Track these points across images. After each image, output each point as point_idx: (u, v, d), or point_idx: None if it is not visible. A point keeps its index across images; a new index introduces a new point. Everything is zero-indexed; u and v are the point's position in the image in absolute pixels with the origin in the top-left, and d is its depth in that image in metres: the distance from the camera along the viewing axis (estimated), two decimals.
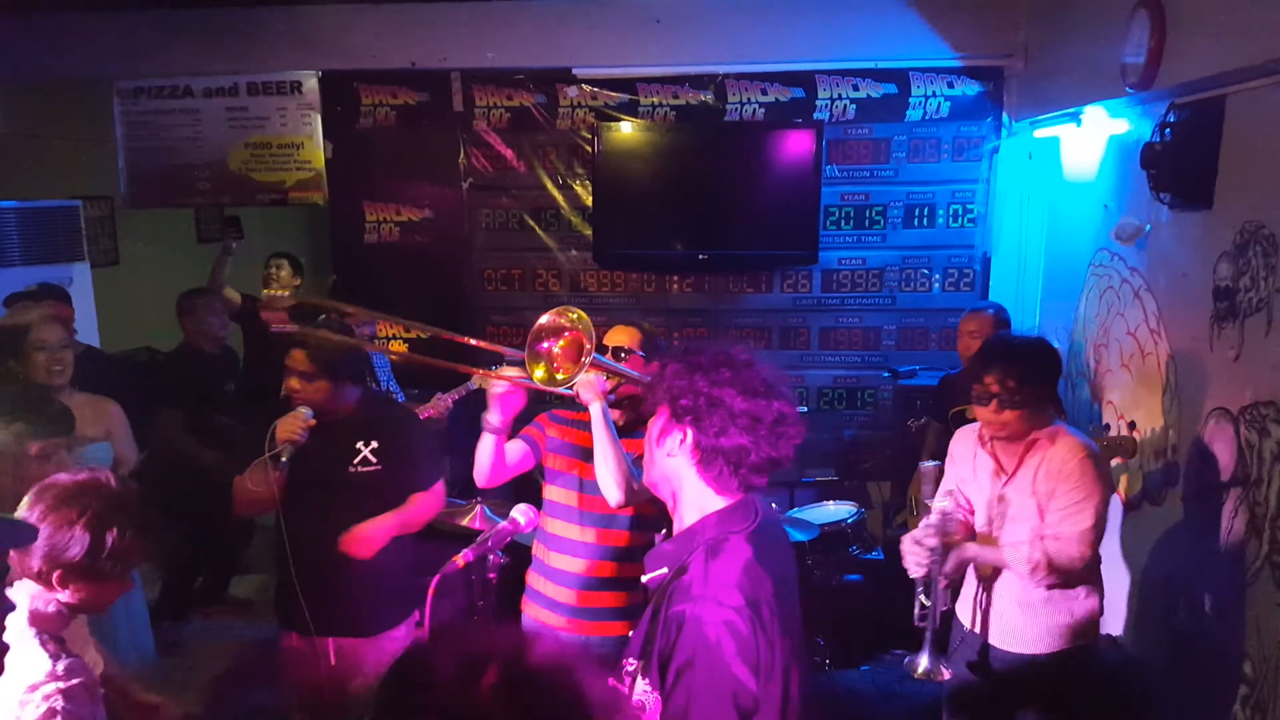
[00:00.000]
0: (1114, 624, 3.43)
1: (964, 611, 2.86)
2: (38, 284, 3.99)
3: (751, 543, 1.66)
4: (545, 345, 2.45)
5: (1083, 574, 2.64)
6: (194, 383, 4.46)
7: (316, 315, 3.14)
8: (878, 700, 4.14)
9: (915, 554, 2.60)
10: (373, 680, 2.99)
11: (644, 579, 1.75)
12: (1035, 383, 2.60)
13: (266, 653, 3.46)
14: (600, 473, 2.56)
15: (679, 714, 1.56)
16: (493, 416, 2.64)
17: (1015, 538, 2.66)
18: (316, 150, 4.92)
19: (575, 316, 2.43)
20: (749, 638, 1.55)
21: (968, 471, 2.84)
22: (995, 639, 2.75)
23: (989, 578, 2.77)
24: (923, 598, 2.65)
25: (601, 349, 2.79)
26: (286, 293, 4.44)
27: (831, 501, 4.72)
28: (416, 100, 5.00)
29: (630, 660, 1.70)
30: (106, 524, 1.81)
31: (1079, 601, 2.66)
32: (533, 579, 2.95)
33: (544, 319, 2.46)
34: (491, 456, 2.69)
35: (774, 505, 3.60)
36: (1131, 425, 3.30)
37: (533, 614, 2.93)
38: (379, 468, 2.90)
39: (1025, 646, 2.68)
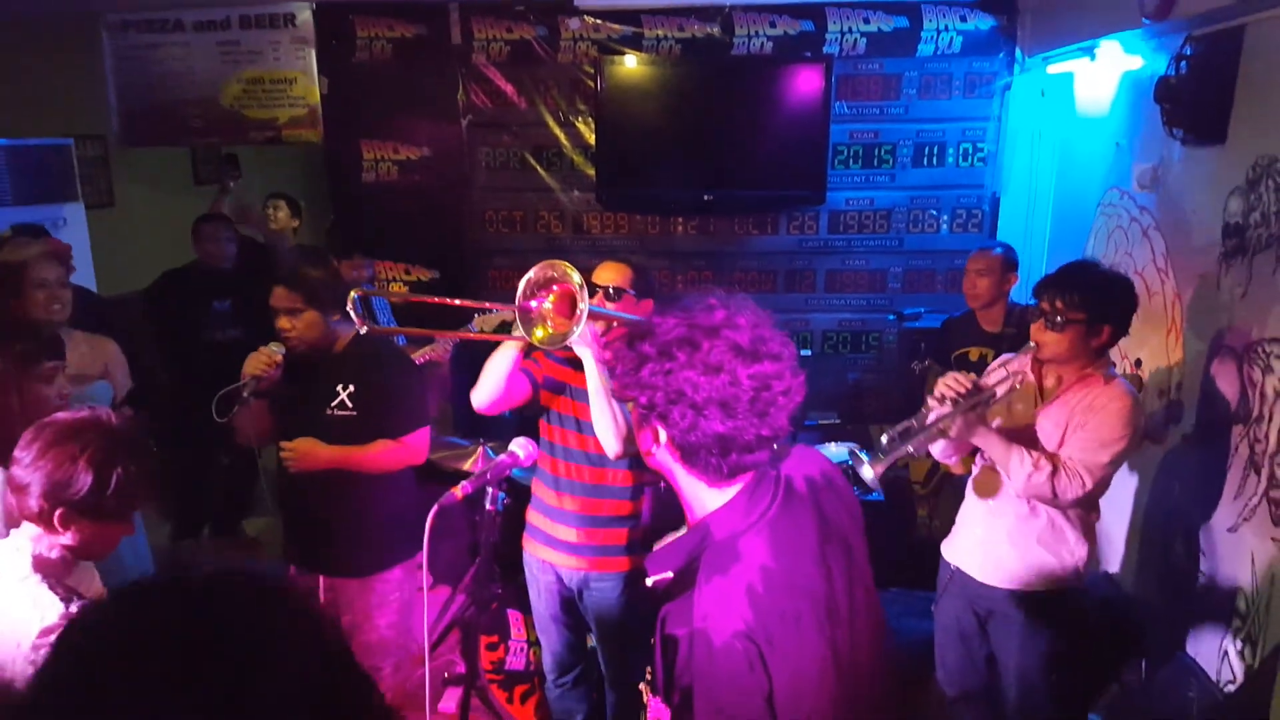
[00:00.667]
0: (1111, 560, 3.44)
1: (951, 550, 2.85)
2: (10, 227, 3.89)
3: (768, 534, 1.43)
4: (534, 303, 2.33)
5: (1077, 517, 2.60)
6: (179, 302, 4.43)
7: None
8: None
9: (950, 386, 2.51)
10: (360, 620, 3.02)
11: (649, 581, 1.56)
12: (1087, 313, 2.47)
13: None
14: (597, 426, 2.50)
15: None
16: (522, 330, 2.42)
17: None
18: (311, 86, 4.82)
19: (563, 268, 2.29)
20: (754, 662, 1.35)
21: (997, 378, 2.74)
22: (979, 573, 2.73)
23: (999, 515, 2.73)
24: (915, 421, 2.52)
25: (591, 288, 2.73)
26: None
27: (833, 443, 4.71)
28: (413, 33, 4.87)
29: (649, 670, 1.60)
30: (109, 461, 1.78)
31: (1068, 547, 2.62)
32: (533, 516, 2.95)
33: (530, 274, 2.33)
34: (502, 370, 2.54)
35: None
36: (1137, 364, 3.28)
37: (533, 551, 2.94)
38: (353, 413, 2.81)
39: (1007, 582, 2.65)
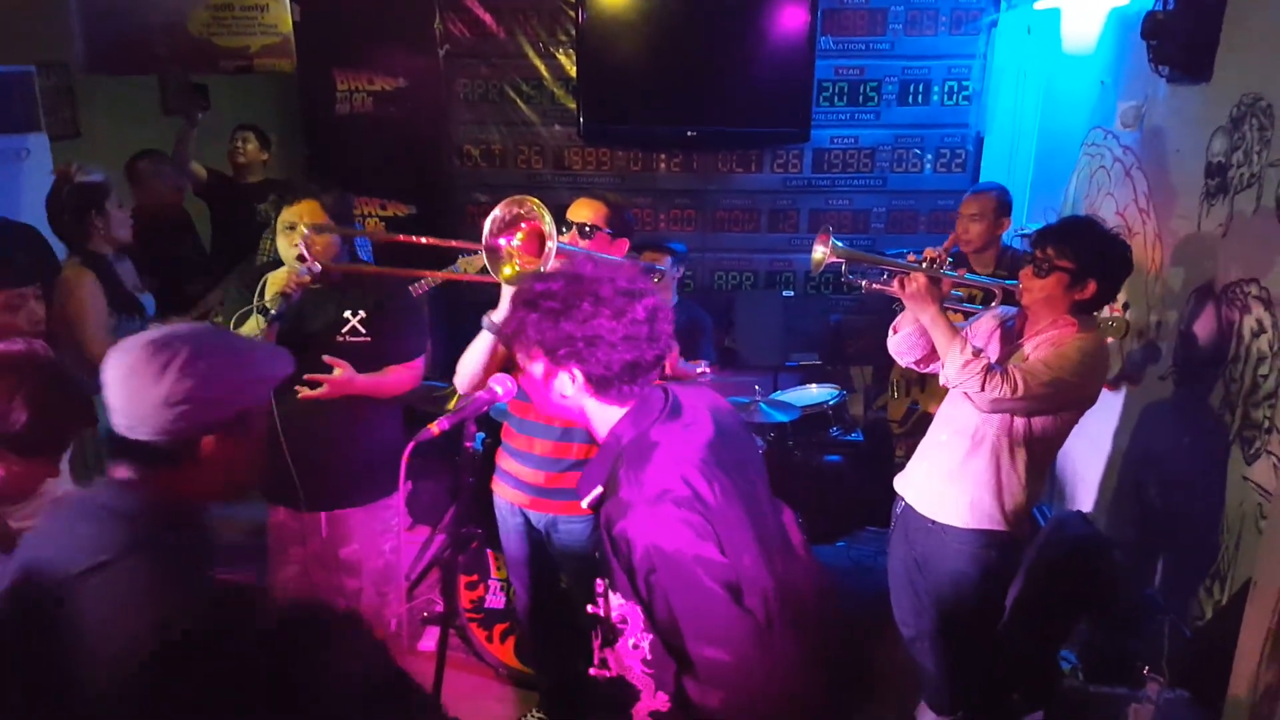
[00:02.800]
0: (1085, 499, 3.49)
1: (901, 482, 2.87)
2: None
3: (670, 425, 1.68)
4: (503, 241, 2.27)
5: (1022, 466, 2.59)
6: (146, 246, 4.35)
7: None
8: (853, 574, 4.26)
9: (934, 253, 2.55)
10: (365, 548, 3.04)
11: (584, 503, 1.75)
12: (1075, 264, 2.46)
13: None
14: (479, 363, 2.51)
15: (667, 617, 1.59)
16: (498, 315, 2.41)
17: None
18: (283, 13, 4.66)
19: (532, 205, 2.23)
20: (693, 517, 1.57)
21: (985, 324, 2.79)
22: (919, 504, 2.76)
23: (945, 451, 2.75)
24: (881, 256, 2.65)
25: (565, 225, 2.69)
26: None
27: (814, 385, 4.73)
28: None
29: (600, 582, 1.73)
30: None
31: (1010, 489, 2.62)
32: (501, 459, 2.92)
33: (496, 211, 2.27)
34: (484, 358, 2.54)
35: (702, 370, 3.50)
36: (1125, 307, 3.27)
37: (502, 494, 2.91)
38: (367, 339, 2.87)
39: (947, 517, 2.67)
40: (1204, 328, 2.76)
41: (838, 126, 4.91)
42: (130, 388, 1.39)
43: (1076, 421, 2.63)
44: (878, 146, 4.94)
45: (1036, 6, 4.19)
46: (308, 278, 2.74)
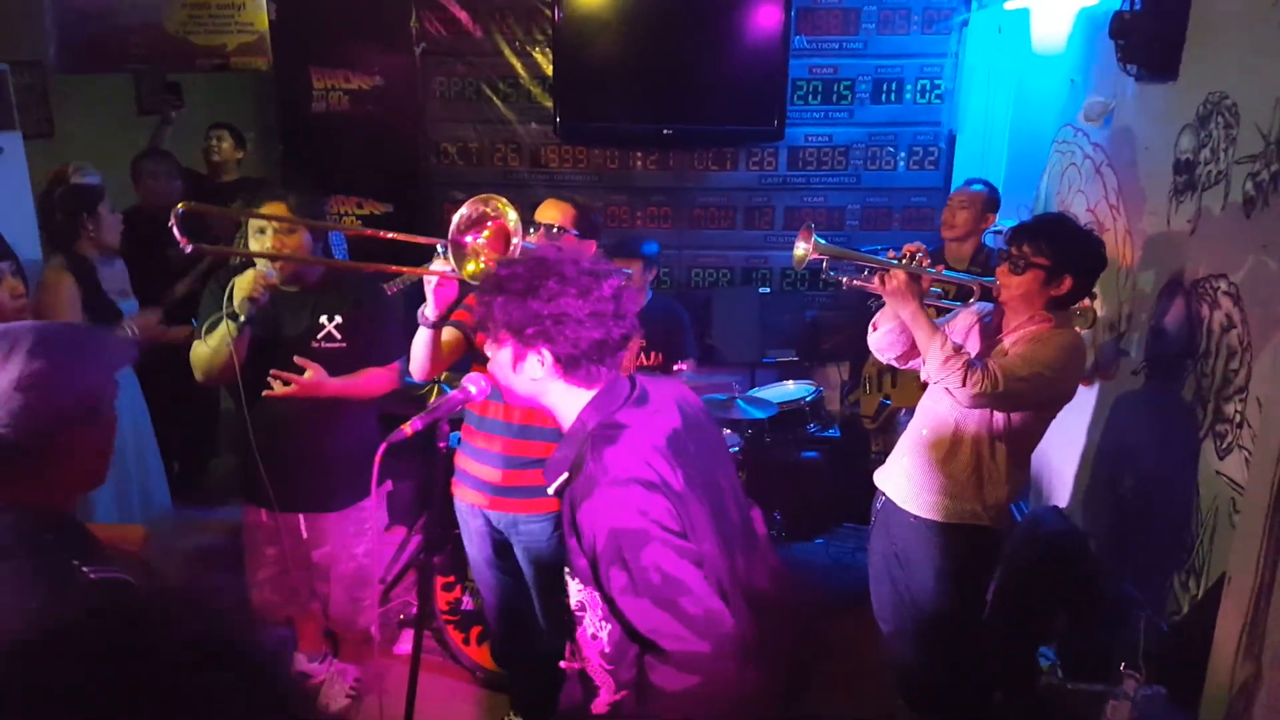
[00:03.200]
0: (1060, 495, 3.53)
1: (881, 476, 2.89)
2: None
3: (636, 411, 1.71)
4: (469, 239, 2.26)
5: (1003, 461, 2.61)
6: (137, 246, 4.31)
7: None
8: (831, 571, 4.28)
9: (914, 249, 2.56)
10: (339, 551, 3.03)
11: (550, 490, 1.75)
12: (1051, 260, 2.48)
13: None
14: (425, 352, 2.50)
15: (633, 598, 1.58)
16: (428, 310, 2.47)
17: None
18: (259, 11, 4.65)
19: (498, 205, 2.22)
20: (659, 499, 1.59)
21: (964, 320, 2.81)
22: (899, 498, 2.78)
23: (922, 444, 2.77)
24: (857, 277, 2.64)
25: (533, 226, 2.69)
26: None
27: (791, 381, 4.75)
28: None
29: (566, 569, 1.73)
30: None
31: (992, 483, 2.63)
32: (460, 460, 2.90)
33: (463, 209, 2.26)
34: (427, 350, 2.54)
35: (679, 368, 3.57)
36: (1093, 296, 3.31)
37: (462, 496, 2.89)
38: (343, 345, 2.85)
39: (928, 512, 2.69)
40: (1175, 323, 2.80)
41: (812, 125, 4.94)
42: None
43: (1055, 415, 2.66)
44: (852, 144, 4.97)
45: (1007, 6, 4.23)
46: (275, 279, 2.71)
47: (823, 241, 2.56)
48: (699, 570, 1.58)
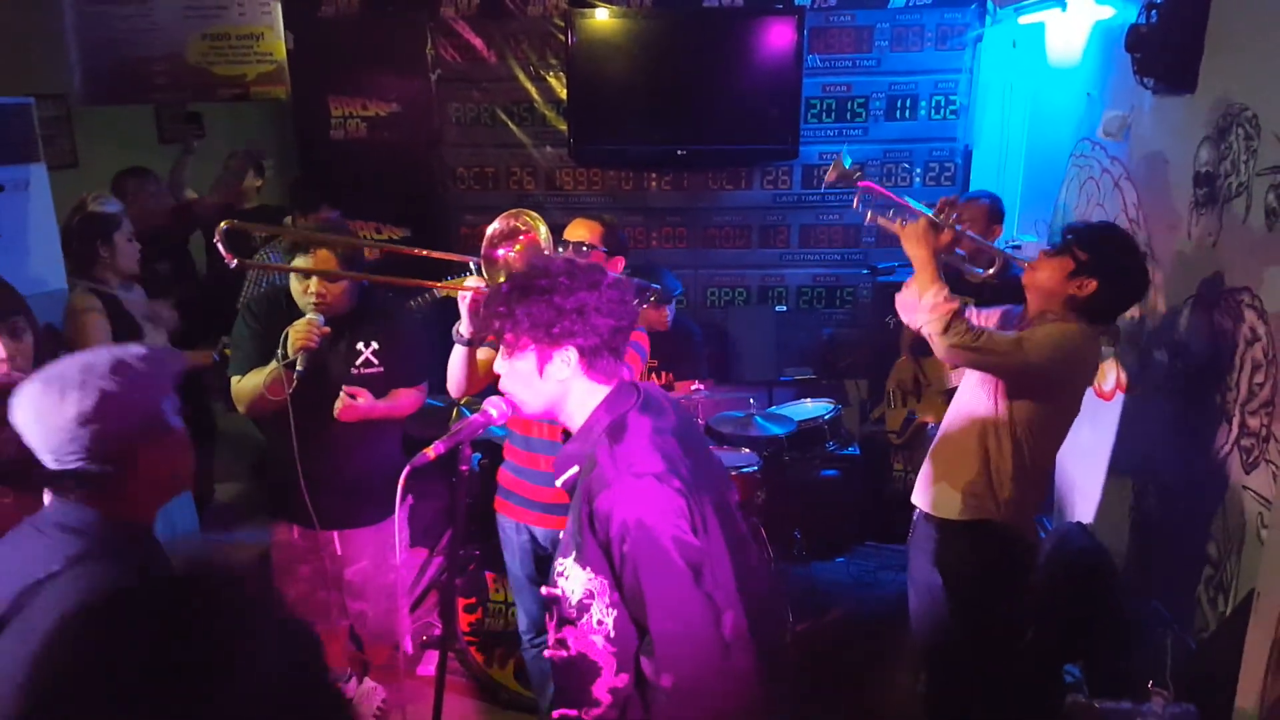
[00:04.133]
0: (1085, 511, 3.49)
1: (916, 492, 2.88)
2: None
3: (646, 413, 1.76)
4: (501, 252, 2.37)
5: (1011, 458, 2.61)
6: None
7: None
8: (853, 590, 4.25)
9: (947, 201, 2.62)
10: (376, 564, 3.07)
11: (557, 482, 1.83)
12: (1088, 255, 2.48)
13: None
14: (462, 372, 2.58)
15: (634, 589, 1.64)
16: (463, 327, 2.58)
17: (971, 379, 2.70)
18: (278, 41, 4.72)
19: (528, 219, 2.34)
20: (673, 494, 1.64)
21: (990, 315, 2.84)
22: (925, 504, 2.79)
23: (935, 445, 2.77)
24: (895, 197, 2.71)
25: (562, 244, 2.75)
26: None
27: (809, 399, 4.74)
28: None
29: (560, 561, 1.77)
30: None
31: (1000, 478, 2.64)
32: (505, 478, 2.96)
33: (495, 224, 2.37)
34: (463, 368, 2.64)
35: (696, 388, 3.60)
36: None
37: (506, 513, 2.94)
38: (380, 370, 2.95)
39: (945, 510, 2.70)
40: (1198, 337, 2.77)
41: (826, 142, 4.94)
42: (42, 423, 1.44)
43: (1067, 424, 2.65)
44: (867, 161, 4.96)
45: (1021, 21, 4.23)
46: (328, 328, 2.80)
47: (852, 165, 2.63)
48: (691, 570, 1.62)
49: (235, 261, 2.29)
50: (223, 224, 2.31)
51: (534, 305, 1.70)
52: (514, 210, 2.37)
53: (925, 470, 2.83)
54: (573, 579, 1.72)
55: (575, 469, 1.79)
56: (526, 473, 2.87)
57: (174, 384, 1.60)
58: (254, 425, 3.23)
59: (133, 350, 1.60)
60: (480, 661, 3.46)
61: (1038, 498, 2.75)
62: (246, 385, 2.91)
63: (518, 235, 2.34)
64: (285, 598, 3.12)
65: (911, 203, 2.65)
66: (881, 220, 2.69)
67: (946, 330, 2.47)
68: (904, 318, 2.81)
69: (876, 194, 2.68)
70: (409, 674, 3.59)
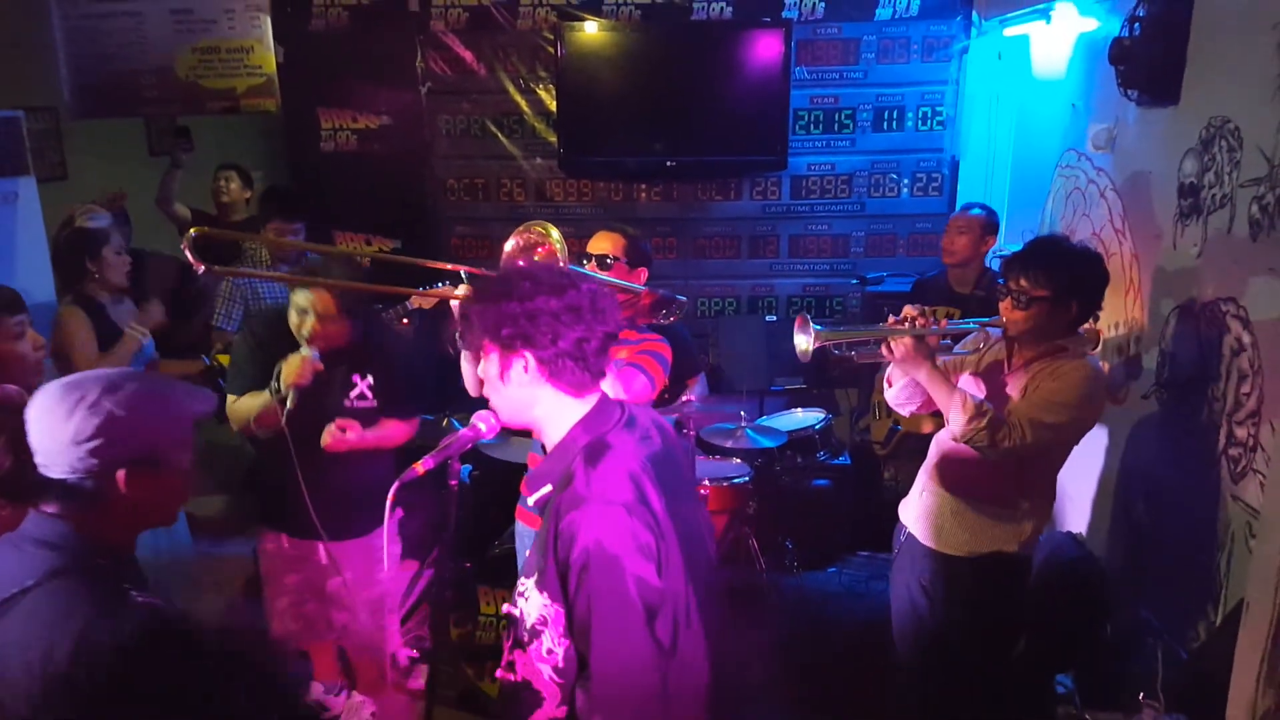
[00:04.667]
0: (1076, 521, 3.51)
1: (906, 513, 2.86)
2: None
3: (627, 435, 1.71)
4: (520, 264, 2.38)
5: (1023, 498, 2.58)
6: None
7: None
8: (845, 600, 4.25)
9: (913, 312, 2.52)
10: (362, 576, 3.06)
11: (530, 501, 1.76)
12: (1052, 290, 2.44)
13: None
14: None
15: (583, 619, 1.59)
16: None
17: None
18: (267, 54, 4.72)
19: (540, 229, 2.35)
20: (641, 529, 1.58)
21: (985, 354, 2.76)
22: (924, 536, 2.74)
23: (943, 481, 2.75)
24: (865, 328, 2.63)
25: (585, 257, 2.76)
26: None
27: (800, 409, 4.75)
28: (370, 0, 4.79)
29: (522, 581, 1.72)
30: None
31: (1016, 511, 2.60)
32: (526, 487, 2.95)
33: (511, 241, 2.38)
34: (472, 371, 2.58)
35: (688, 399, 3.61)
36: (1095, 318, 3.31)
37: (526, 521, 2.93)
38: (374, 404, 2.94)
39: (955, 546, 2.66)
40: (1185, 347, 2.79)
41: (814, 154, 4.97)
42: (43, 427, 1.46)
43: (1076, 443, 2.63)
44: (854, 172, 4.99)
45: (1006, 33, 4.27)
46: (321, 365, 2.78)
47: (821, 329, 2.51)
48: (646, 612, 1.57)
49: (203, 268, 2.23)
50: (191, 230, 2.26)
51: (486, 309, 1.67)
52: (525, 224, 2.38)
53: (926, 502, 2.75)
54: (531, 601, 1.67)
55: (548, 488, 1.71)
56: None
57: (193, 422, 1.60)
58: (243, 438, 3.22)
59: (162, 381, 1.61)
60: (470, 675, 3.46)
61: (1045, 518, 2.72)
62: (240, 408, 2.92)
63: (535, 248, 2.35)
64: (272, 612, 3.13)
65: (880, 329, 2.55)
66: (867, 358, 2.59)
67: (994, 443, 2.41)
68: (898, 411, 2.80)
69: (842, 339, 2.59)
70: (399, 687, 3.57)
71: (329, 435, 2.81)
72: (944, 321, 2.60)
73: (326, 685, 3.43)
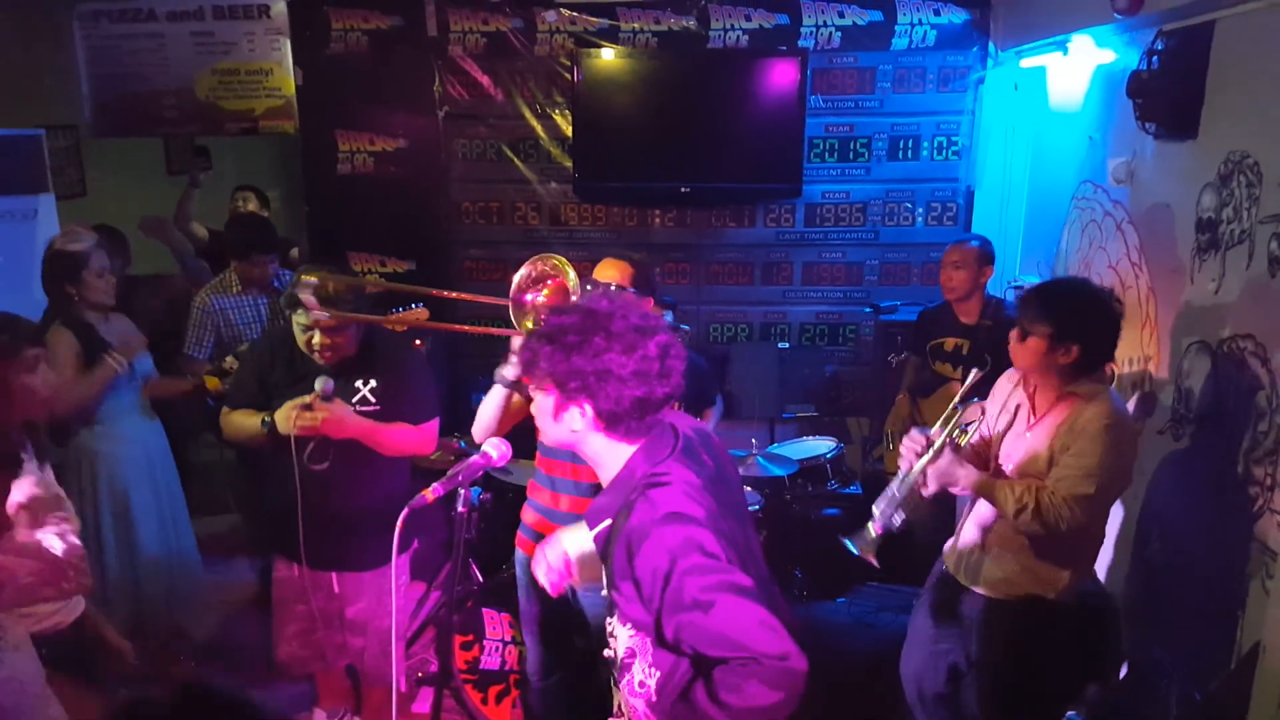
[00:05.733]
0: None
1: (948, 551, 2.84)
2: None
3: (684, 463, 1.69)
4: (529, 297, 2.37)
5: (1068, 545, 2.55)
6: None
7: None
8: (854, 631, 4.19)
9: (912, 444, 2.57)
10: (374, 607, 3.09)
11: (590, 534, 1.75)
12: (1052, 329, 2.45)
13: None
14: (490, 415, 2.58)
15: (686, 623, 1.54)
16: (509, 371, 2.54)
17: None
18: (286, 77, 4.78)
19: (556, 263, 2.35)
20: (710, 535, 1.58)
21: (998, 408, 2.77)
22: (962, 576, 2.74)
23: (984, 520, 2.71)
24: (895, 490, 2.58)
25: (591, 284, 2.75)
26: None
27: (811, 437, 4.73)
28: (389, 25, 4.84)
29: (608, 621, 1.72)
30: None
31: (1055, 557, 2.58)
32: (527, 515, 2.94)
33: (523, 270, 2.37)
34: (498, 410, 2.62)
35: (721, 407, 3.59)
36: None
37: (526, 549, 2.90)
38: (378, 408, 2.90)
39: (986, 588, 2.65)
40: (1201, 383, 2.76)
41: (829, 182, 4.97)
42: None
43: (1122, 491, 2.62)
44: (869, 201, 4.99)
45: (1023, 64, 4.27)
46: (318, 429, 2.76)
47: (862, 532, 2.56)
48: (755, 592, 1.57)
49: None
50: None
51: (556, 356, 1.65)
52: (542, 255, 2.37)
53: (968, 541, 2.73)
54: (619, 639, 1.68)
55: (608, 522, 1.71)
56: (548, 512, 2.84)
57: None
58: (246, 458, 3.22)
59: None
60: (476, 700, 3.43)
61: (1089, 570, 2.70)
62: (232, 422, 2.94)
63: (546, 280, 2.35)
64: (280, 638, 3.12)
65: (905, 479, 2.57)
66: (904, 513, 2.57)
67: (1046, 526, 2.42)
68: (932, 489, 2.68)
69: (884, 518, 2.58)
70: (404, 711, 3.55)
71: (290, 421, 2.74)
72: (936, 431, 2.60)
73: (329, 711, 3.42)
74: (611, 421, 1.67)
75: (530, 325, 2.33)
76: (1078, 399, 2.51)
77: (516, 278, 2.38)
